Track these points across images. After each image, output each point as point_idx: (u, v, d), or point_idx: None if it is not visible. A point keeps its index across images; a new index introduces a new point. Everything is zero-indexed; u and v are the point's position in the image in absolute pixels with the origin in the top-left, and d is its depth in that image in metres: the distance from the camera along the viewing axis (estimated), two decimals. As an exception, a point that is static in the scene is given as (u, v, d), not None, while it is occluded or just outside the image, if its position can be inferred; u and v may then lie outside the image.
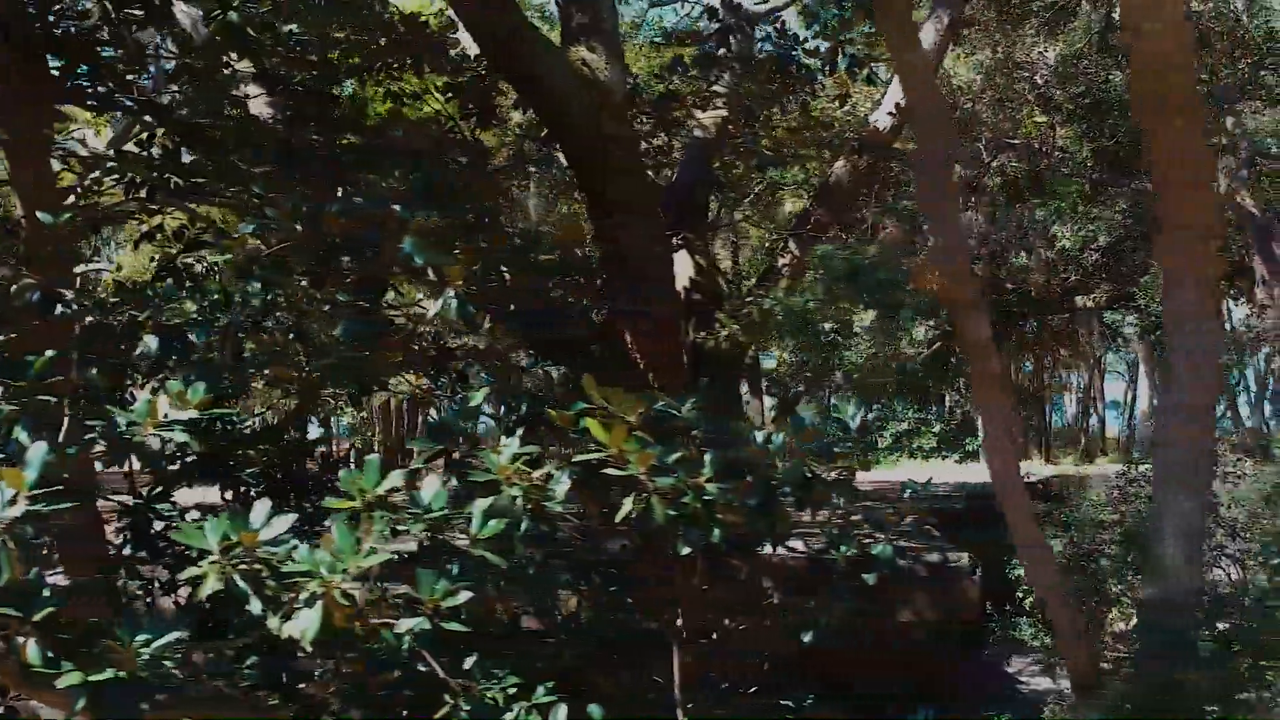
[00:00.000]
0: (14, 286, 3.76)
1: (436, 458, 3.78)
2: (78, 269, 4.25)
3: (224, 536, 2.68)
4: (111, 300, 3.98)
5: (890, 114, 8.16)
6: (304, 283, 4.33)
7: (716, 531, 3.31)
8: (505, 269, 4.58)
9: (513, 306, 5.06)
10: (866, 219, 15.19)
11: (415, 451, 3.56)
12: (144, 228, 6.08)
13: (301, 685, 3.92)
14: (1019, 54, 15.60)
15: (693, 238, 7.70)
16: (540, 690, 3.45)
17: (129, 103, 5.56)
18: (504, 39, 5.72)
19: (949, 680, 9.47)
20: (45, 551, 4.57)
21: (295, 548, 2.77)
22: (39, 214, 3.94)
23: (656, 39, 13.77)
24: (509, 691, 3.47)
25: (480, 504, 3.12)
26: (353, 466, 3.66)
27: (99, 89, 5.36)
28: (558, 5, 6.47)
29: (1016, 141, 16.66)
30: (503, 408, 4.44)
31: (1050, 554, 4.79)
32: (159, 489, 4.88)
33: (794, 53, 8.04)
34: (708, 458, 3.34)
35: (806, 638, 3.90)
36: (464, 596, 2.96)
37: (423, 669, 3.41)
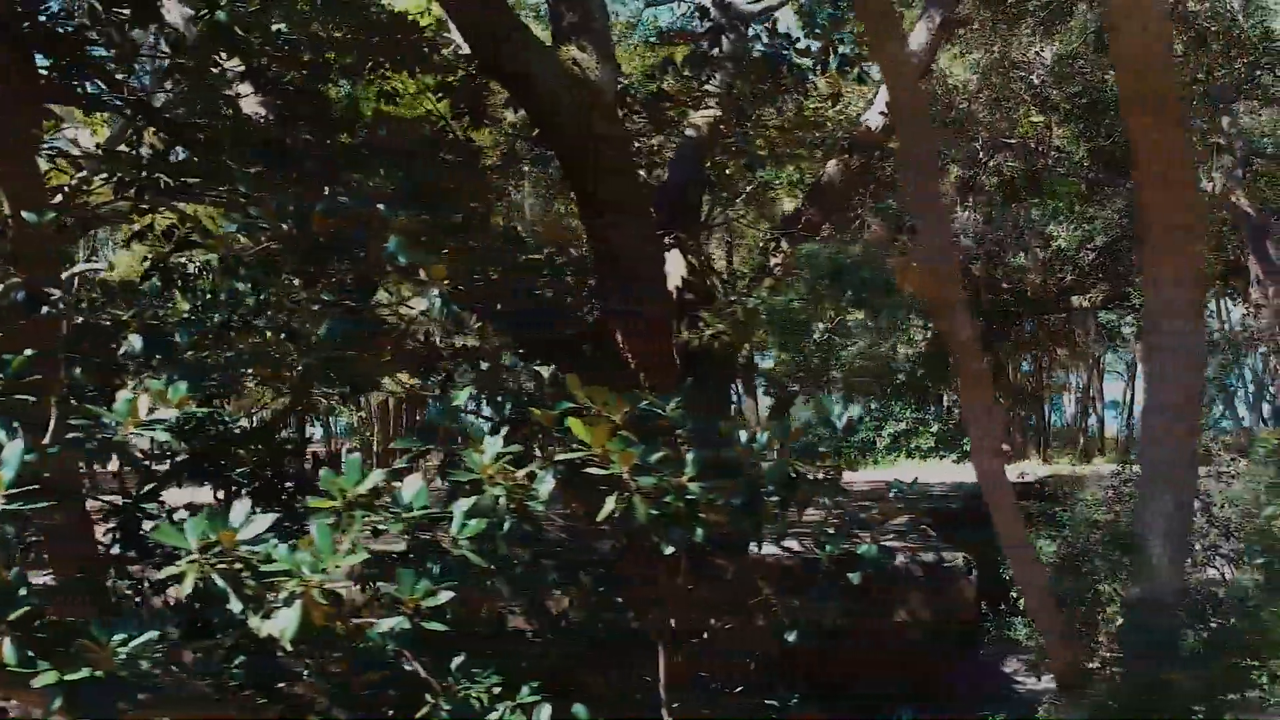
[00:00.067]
0: (0, 286, 3.77)
1: (420, 457, 3.78)
2: (76, 269, 4.26)
3: (202, 535, 2.68)
4: (97, 300, 3.99)
5: (882, 113, 8.16)
6: (297, 281, 4.34)
7: (699, 531, 3.31)
8: (491, 269, 4.58)
9: (500, 306, 5.06)
10: (859, 218, 15.21)
11: (397, 451, 3.55)
12: (135, 227, 6.09)
13: (288, 685, 3.92)
14: (1015, 54, 15.61)
15: (685, 237, 7.70)
16: (525, 690, 3.46)
17: (118, 102, 5.57)
18: (493, 37, 5.71)
19: (945, 680, 9.48)
20: (31, 551, 4.59)
21: (275, 547, 2.77)
22: (24, 213, 3.94)
23: (651, 39, 13.77)
24: (493, 691, 3.47)
25: (462, 504, 3.12)
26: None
27: (87, 88, 5.36)
28: (548, 4, 6.46)
29: (1013, 141, 16.68)
30: (491, 407, 4.44)
31: (1034, 554, 4.78)
32: (148, 489, 4.89)
33: (785, 52, 8.04)
34: (690, 457, 3.34)
35: (790, 637, 3.90)
36: (445, 596, 2.95)
37: (409, 669, 3.42)
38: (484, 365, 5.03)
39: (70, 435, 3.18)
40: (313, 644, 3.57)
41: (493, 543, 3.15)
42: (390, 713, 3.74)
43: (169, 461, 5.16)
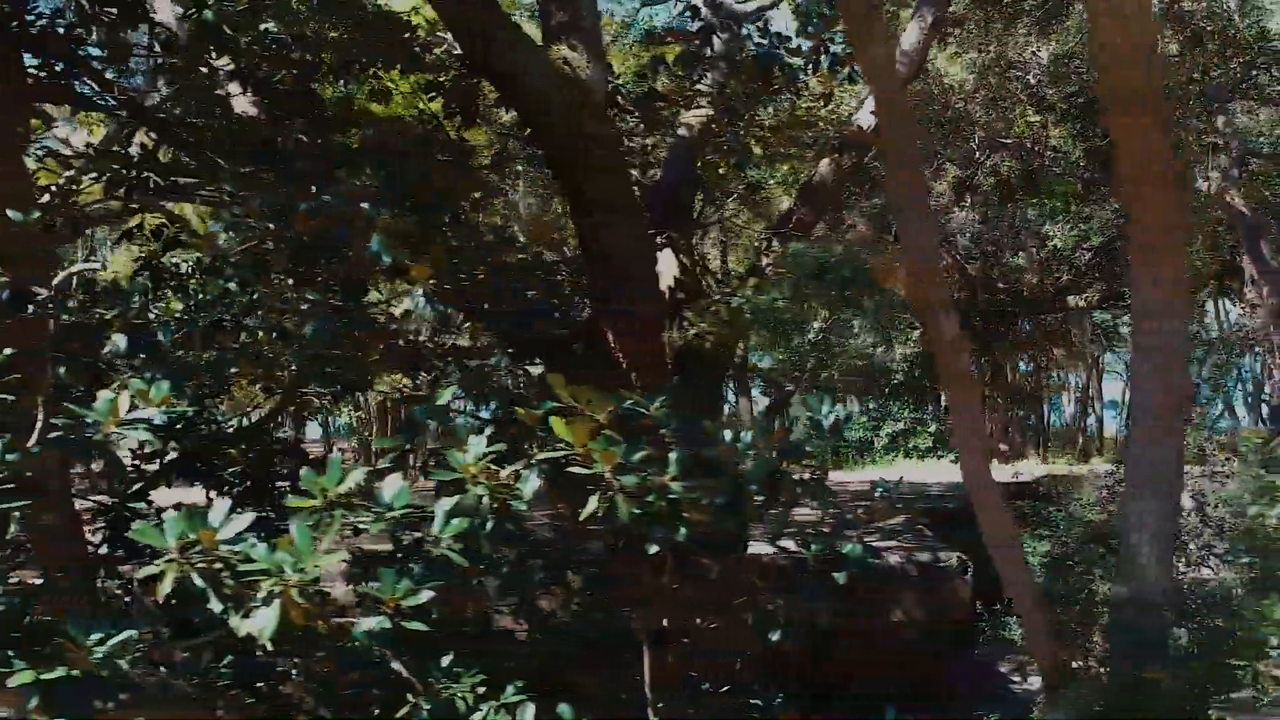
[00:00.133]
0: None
1: (407, 456, 3.77)
2: (74, 268, 4.25)
3: (181, 535, 2.68)
4: (85, 300, 3.98)
5: (873, 113, 8.14)
6: (289, 281, 4.33)
7: (683, 530, 3.30)
8: (480, 268, 4.57)
9: (489, 305, 5.06)
10: (851, 218, 15.22)
11: (381, 450, 3.55)
12: (125, 226, 6.08)
13: (271, 684, 3.92)
14: (1011, 53, 15.62)
15: (677, 237, 7.69)
16: (510, 690, 3.45)
17: (110, 102, 5.56)
18: (482, 36, 5.70)
19: (940, 680, 9.48)
20: (19, 552, 4.59)
21: (254, 546, 2.76)
22: (9, 211, 3.94)
23: (642, 39, 13.77)
24: (478, 691, 3.47)
25: (444, 503, 3.11)
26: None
27: (76, 87, 5.36)
28: (538, 3, 6.45)
29: (1009, 141, 16.69)
30: (478, 406, 4.44)
31: (1021, 553, 4.79)
32: (136, 488, 4.89)
33: (777, 51, 8.03)
34: (673, 456, 3.33)
35: (774, 637, 3.89)
36: (425, 596, 2.95)
37: (395, 668, 3.42)
38: (471, 365, 5.03)
39: (51, 435, 3.17)
40: (298, 644, 3.57)
41: (476, 542, 3.15)
42: (376, 712, 3.74)
43: (159, 461, 5.16)
